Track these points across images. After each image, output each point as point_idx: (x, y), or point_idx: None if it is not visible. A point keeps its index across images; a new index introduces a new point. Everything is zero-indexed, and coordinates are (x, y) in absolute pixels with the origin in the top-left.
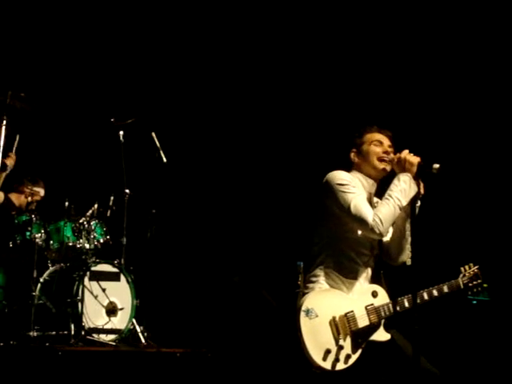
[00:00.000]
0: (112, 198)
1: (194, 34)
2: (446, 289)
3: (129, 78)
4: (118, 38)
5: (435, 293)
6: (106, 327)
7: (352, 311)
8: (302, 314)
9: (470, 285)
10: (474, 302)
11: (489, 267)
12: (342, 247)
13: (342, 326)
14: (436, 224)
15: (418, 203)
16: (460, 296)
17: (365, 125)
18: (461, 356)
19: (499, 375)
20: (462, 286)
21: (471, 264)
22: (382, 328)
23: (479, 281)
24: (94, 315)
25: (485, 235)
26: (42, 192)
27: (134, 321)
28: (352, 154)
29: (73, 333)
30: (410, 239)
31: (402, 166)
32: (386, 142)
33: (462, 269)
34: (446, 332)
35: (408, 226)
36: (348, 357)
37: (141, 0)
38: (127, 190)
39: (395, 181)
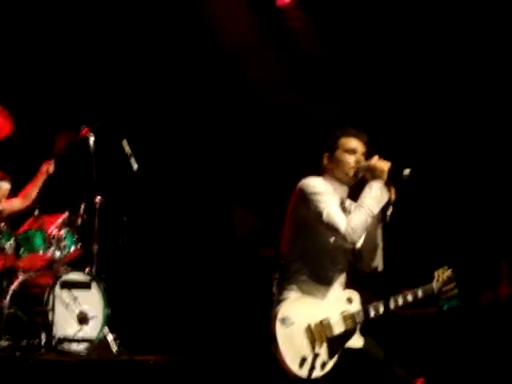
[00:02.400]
0: (83, 205)
1: (164, 39)
2: (420, 293)
3: (100, 84)
4: (89, 44)
5: (409, 298)
6: (77, 336)
7: (327, 318)
8: (278, 323)
9: (445, 289)
10: (445, 307)
11: (460, 272)
12: (317, 254)
13: (317, 333)
14: (407, 229)
15: (390, 210)
16: (432, 302)
17: (341, 126)
18: (433, 362)
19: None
20: (436, 291)
21: (445, 267)
22: (357, 334)
23: (453, 285)
24: (65, 324)
25: (456, 239)
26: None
27: (105, 329)
28: (325, 159)
29: (43, 342)
30: (381, 245)
31: (372, 173)
32: (361, 149)
33: (436, 273)
34: (418, 338)
35: (379, 232)
36: (324, 364)
37: (112, 4)
38: (98, 197)
39: (367, 188)
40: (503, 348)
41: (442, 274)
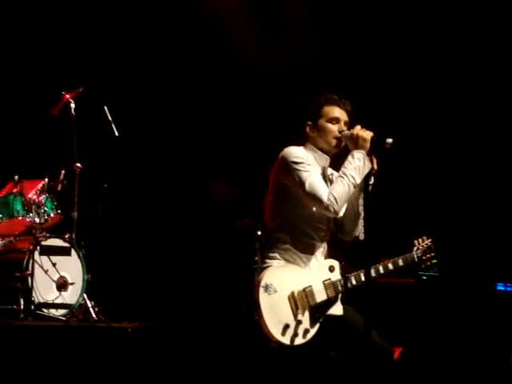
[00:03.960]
0: (63, 171)
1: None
2: (400, 262)
3: (80, 49)
4: (73, 12)
5: (390, 266)
6: (56, 302)
7: (310, 286)
8: (261, 290)
9: (424, 258)
10: (424, 277)
11: (440, 242)
12: (299, 223)
13: (300, 300)
14: (388, 198)
15: (372, 180)
16: (411, 270)
17: (324, 94)
18: (413, 331)
19: (449, 350)
20: (416, 259)
21: (424, 237)
22: (338, 302)
23: (432, 254)
24: (44, 290)
25: (436, 210)
26: None
27: (84, 296)
28: (308, 127)
29: (22, 307)
30: (363, 214)
31: (355, 143)
32: (344, 117)
33: (416, 242)
34: (397, 308)
35: (361, 201)
36: (306, 331)
37: None
38: (78, 164)
39: (349, 158)
40: (480, 318)
41: (422, 243)
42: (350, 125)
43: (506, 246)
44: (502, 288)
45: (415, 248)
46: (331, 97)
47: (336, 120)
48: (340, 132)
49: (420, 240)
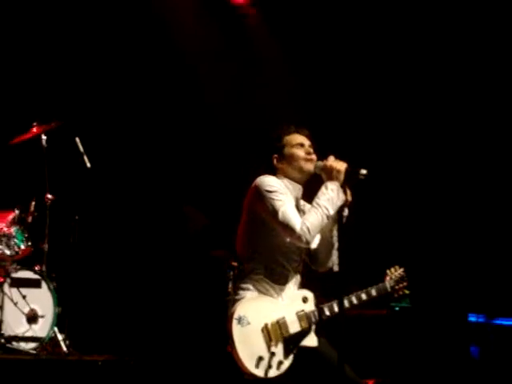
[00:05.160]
0: (34, 203)
1: (119, 35)
2: (374, 292)
3: (53, 81)
4: (42, 41)
5: (364, 296)
6: (26, 335)
7: (283, 317)
8: (235, 322)
9: (397, 287)
10: (397, 308)
11: (412, 273)
12: (272, 253)
13: (273, 332)
14: (362, 228)
15: (346, 212)
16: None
17: (281, 127)
18: (385, 363)
19: (420, 381)
20: (389, 289)
21: (397, 266)
22: (312, 333)
23: (405, 283)
24: (14, 323)
25: (409, 241)
26: None
27: (55, 328)
28: (274, 160)
29: None
30: (336, 245)
31: (329, 174)
32: (307, 142)
33: (388, 271)
34: (371, 339)
35: (335, 232)
36: (280, 363)
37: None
38: (49, 196)
39: (323, 189)
40: (452, 349)
41: (394, 272)
42: (323, 155)
43: (477, 277)
44: (474, 319)
45: (388, 278)
46: (288, 126)
47: (300, 144)
48: (308, 154)
49: (393, 269)
